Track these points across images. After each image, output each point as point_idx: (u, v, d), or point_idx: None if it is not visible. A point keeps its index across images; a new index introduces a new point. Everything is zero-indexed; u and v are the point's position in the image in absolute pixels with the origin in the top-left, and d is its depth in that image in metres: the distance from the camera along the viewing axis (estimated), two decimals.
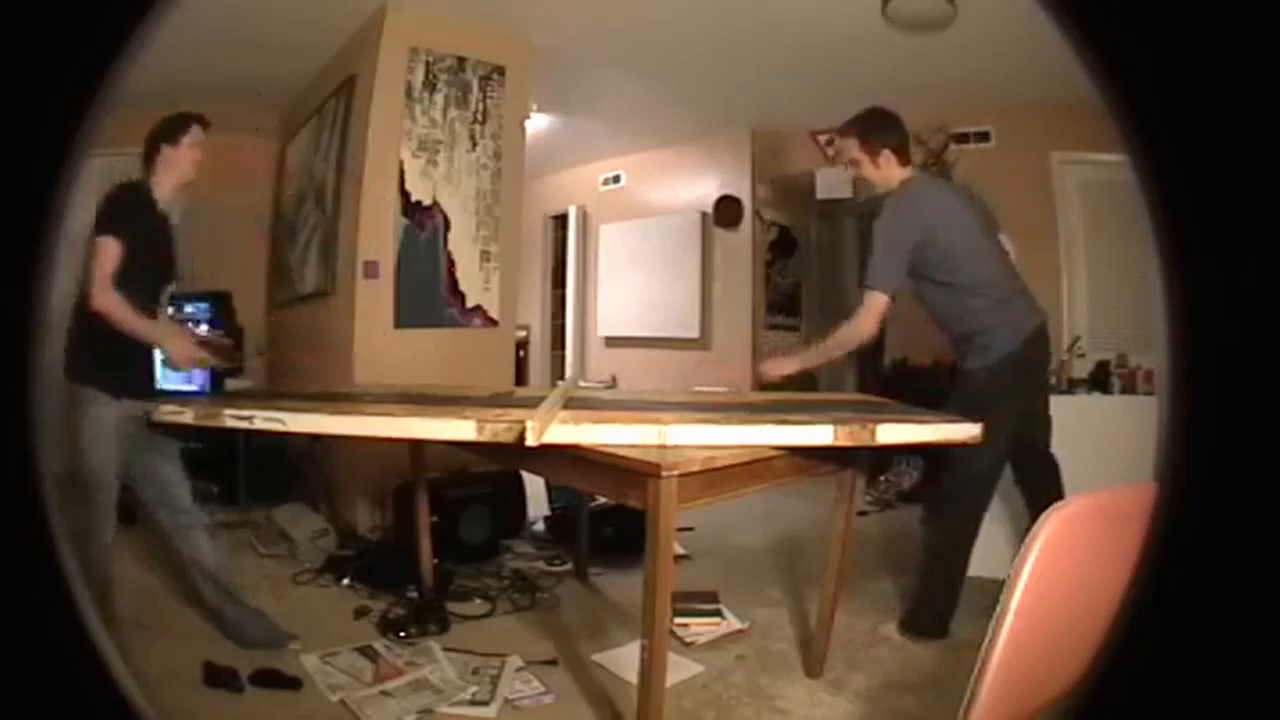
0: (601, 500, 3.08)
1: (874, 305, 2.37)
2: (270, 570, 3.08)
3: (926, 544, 2.57)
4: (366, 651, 2.33)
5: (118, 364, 2.21)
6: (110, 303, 2.13)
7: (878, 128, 2.51)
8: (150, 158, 2.33)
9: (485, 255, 3.88)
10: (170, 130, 2.34)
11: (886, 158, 2.46)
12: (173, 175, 2.33)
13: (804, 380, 6.15)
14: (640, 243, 6.27)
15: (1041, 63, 2.71)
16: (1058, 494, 2.54)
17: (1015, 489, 2.66)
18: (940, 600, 2.47)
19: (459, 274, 3.80)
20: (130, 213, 2.21)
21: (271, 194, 5.05)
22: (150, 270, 2.28)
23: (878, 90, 4.65)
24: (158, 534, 2.37)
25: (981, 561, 3.09)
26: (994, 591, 0.81)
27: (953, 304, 2.42)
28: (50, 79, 0.45)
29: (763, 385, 2.46)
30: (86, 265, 2.13)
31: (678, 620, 2.49)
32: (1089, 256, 4.45)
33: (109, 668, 0.50)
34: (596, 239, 6.71)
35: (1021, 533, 2.88)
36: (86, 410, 2.14)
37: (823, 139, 5.47)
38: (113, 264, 2.11)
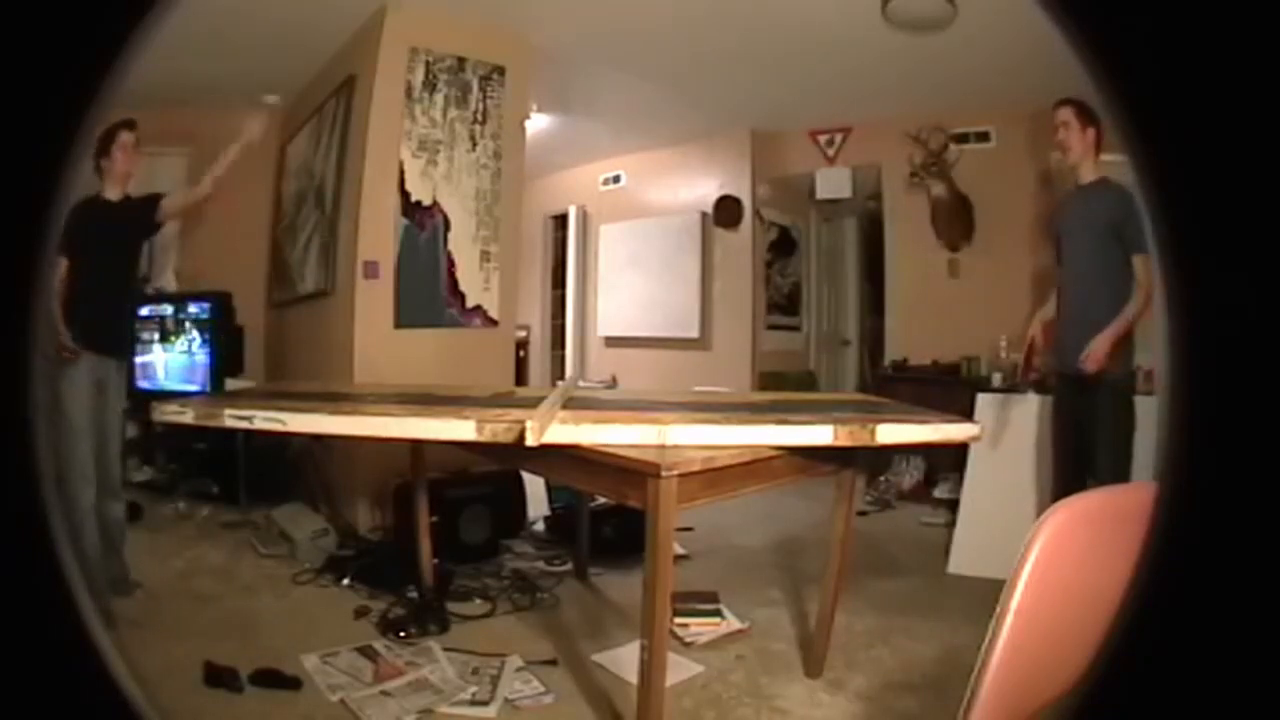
0: (601, 500, 3.08)
1: (1150, 268, 2.55)
2: (270, 570, 3.08)
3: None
4: (366, 651, 2.33)
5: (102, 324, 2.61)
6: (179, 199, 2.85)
7: (1090, 110, 2.69)
8: (97, 170, 2.71)
9: (485, 255, 3.88)
10: (102, 144, 2.70)
11: (1091, 135, 2.69)
12: (114, 179, 2.73)
13: (805, 379, 6.16)
14: (640, 243, 6.27)
15: (1042, 63, 2.72)
16: None
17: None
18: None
19: (459, 274, 3.80)
20: (79, 230, 2.56)
21: (272, 193, 5.05)
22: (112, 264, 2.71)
23: (878, 90, 4.69)
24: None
25: (981, 561, 3.09)
26: (994, 591, 0.81)
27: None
28: (50, 79, 0.45)
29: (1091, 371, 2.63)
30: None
31: (678, 620, 2.49)
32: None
33: (109, 668, 0.50)
34: (596, 239, 6.72)
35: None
36: (61, 369, 2.47)
37: (823, 139, 5.48)
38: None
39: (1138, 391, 3.57)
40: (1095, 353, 2.59)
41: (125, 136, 2.70)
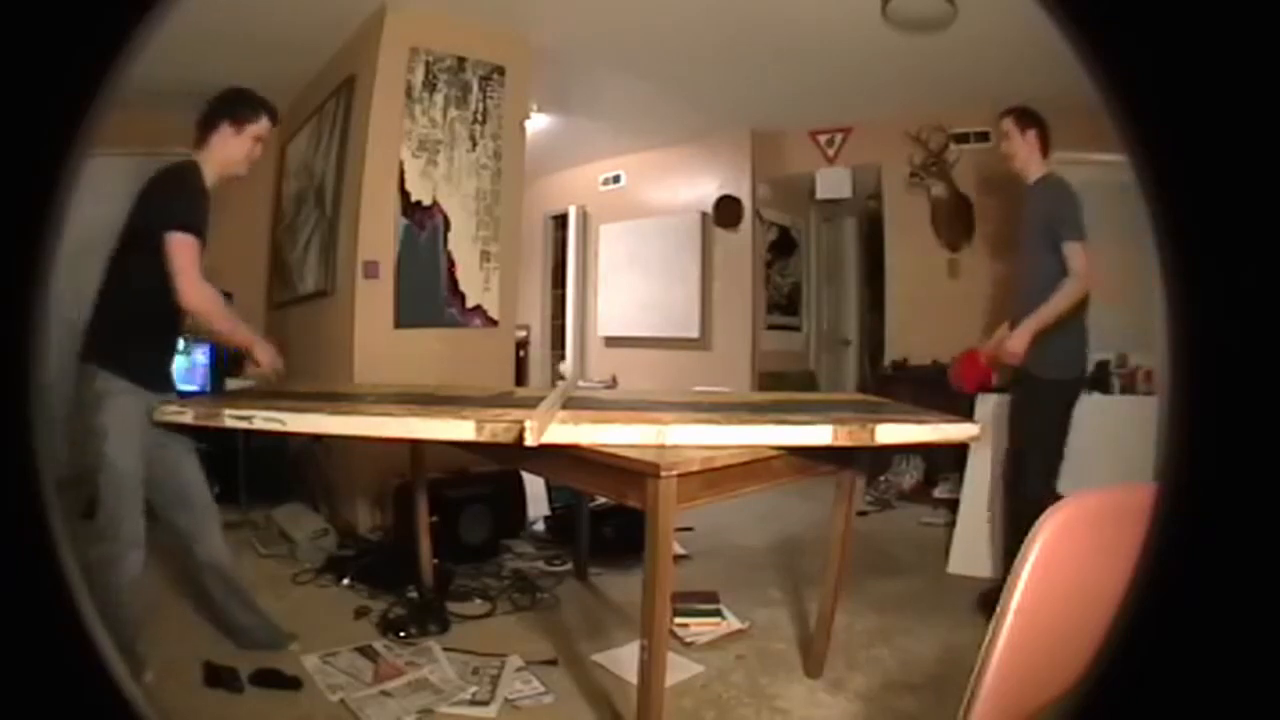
0: (601, 500, 3.08)
1: (1084, 256, 2.49)
2: (270, 570, 3.08)
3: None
4: (366, 651, 2.33)
5: (159, 353, 2.13)
6: (207, 298, 2.06)
7: (1030, 113, 2.73)
8: (206, 131, 2.13)
9: (485, 255, 3.89)
10: (237, 108, 2.14)
11: (1031, 137, 2.71)
12: (222, 160, 2.14)
13: (804, 380, 6.14)
14: (640, 243, 6.27)
15: (1041, 63, 2.71)
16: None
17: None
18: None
19: (459, 274, 3.80)
20: (200, 203, 2.07)
21: (272, 193, 5.05)
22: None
23: (878, 90, 4.69)
24: (171, 538, 2.26)
25: (982, 561, 3.09)
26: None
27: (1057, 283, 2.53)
28: (50, 79, 0.45)
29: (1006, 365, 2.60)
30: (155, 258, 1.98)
31: (678, 620, 2.49)
32: (1089, 256, 4.45)
33: (109, 668, 0.50)
34: (596, 239, 6.72)
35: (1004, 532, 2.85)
36: (111, 400, 1.97)
37: (823, 139, 5.48)
38: (198, 258, 2.01)
39: (1131, 391, 3.52)
40: (1010, 344, 2.50)
41: (265, 126, 2.18)
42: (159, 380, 2.11)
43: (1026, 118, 2.71)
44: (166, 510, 2.19)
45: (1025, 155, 2.71)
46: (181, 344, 2.30)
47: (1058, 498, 2.83)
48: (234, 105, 2.17)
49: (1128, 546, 0.48)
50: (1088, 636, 0.51)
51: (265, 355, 2.29)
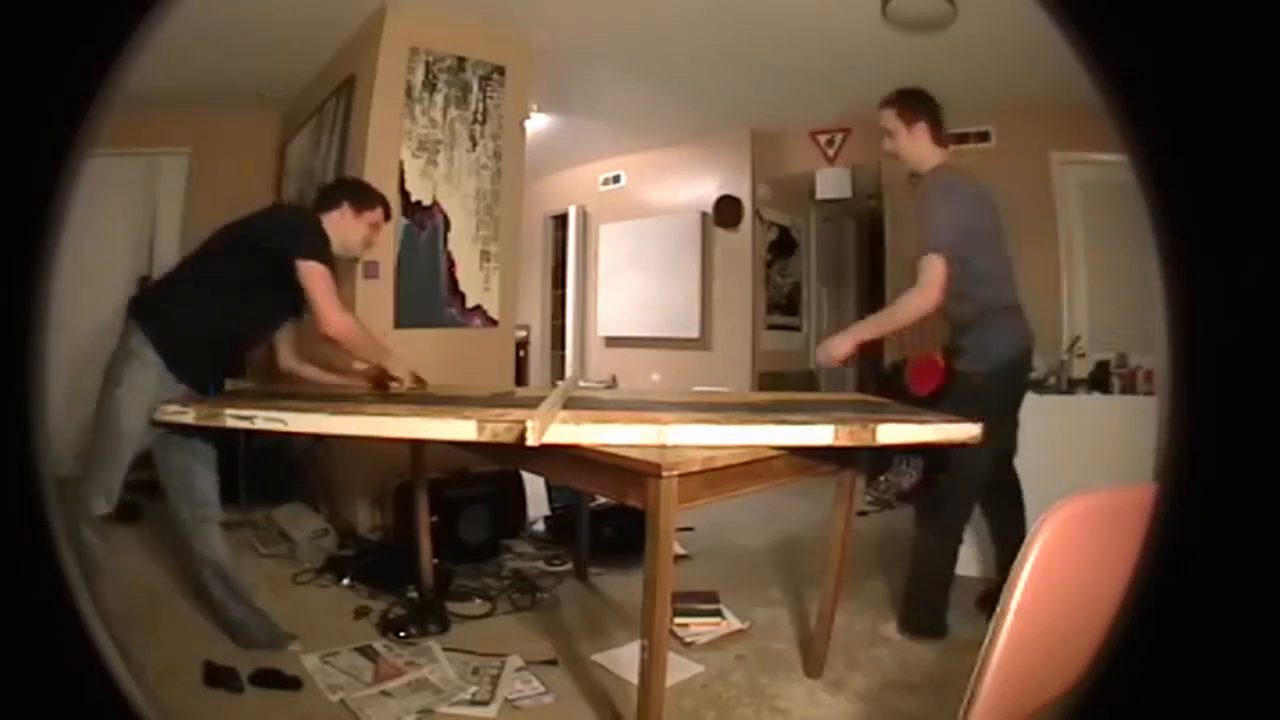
0: (601, 500, 3.08)
1: (937, 269, 2.25)
2: (270, 570, 3.08)
3: (920, 545, 2.54)
4: (366, 651, 2.33)
5: (197, 349, 2.17)
6: (347, 326, 2.24)
7: (915, 101, 2.46)
8: (327, 205, 2.35)
9: (485, 255, 3.89)
10: (358, 195, 2.37)
11: (920, 130, 2.41)
12: (340, 236, 2.31)
13: (804, 380, 6.13)
14: (640, 243, 6.27)
15: (1041, 63, 2.71)
16: (1019, 512, 2.58)
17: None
18: (937, 599, 2.47)
19: (459, 274, 3.80)
20: (330, 247, 2.26)
21: (272, 195, 5.05)
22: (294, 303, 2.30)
23: (878, 90, 4.66)
24: (172, 529, 2.35)
25: (973, 560, 3.09)
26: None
27: (963, 286, 2.34)
28: (50, 79, 0.45)
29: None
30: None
31: (678, 620, 2.49)
32: (1089, 256, 4.45)
33: (109, 668, 0.50)
34: (596, 239, 6.72)
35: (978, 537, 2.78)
36: (138, 365, 2.07)
37: (823, 138, 5.48)
38: (335, 288, 2.20)
39: (1131, 391, 3.47)
40: (832, 345, 2.34)
41: (380, 217, 2.42)
42: (187, 371, 2.17)
43: (911, 107, 2.41)
44: (173, 498, 2.30)
45: (915, 152, 2.42)
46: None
47: (1001, 490, 2.63)
48: (356, 191, 2.41)
49: (1128, 546, 0.48)
50: (1088, 636, 0.51)
51: (403, 372, 2.46)
